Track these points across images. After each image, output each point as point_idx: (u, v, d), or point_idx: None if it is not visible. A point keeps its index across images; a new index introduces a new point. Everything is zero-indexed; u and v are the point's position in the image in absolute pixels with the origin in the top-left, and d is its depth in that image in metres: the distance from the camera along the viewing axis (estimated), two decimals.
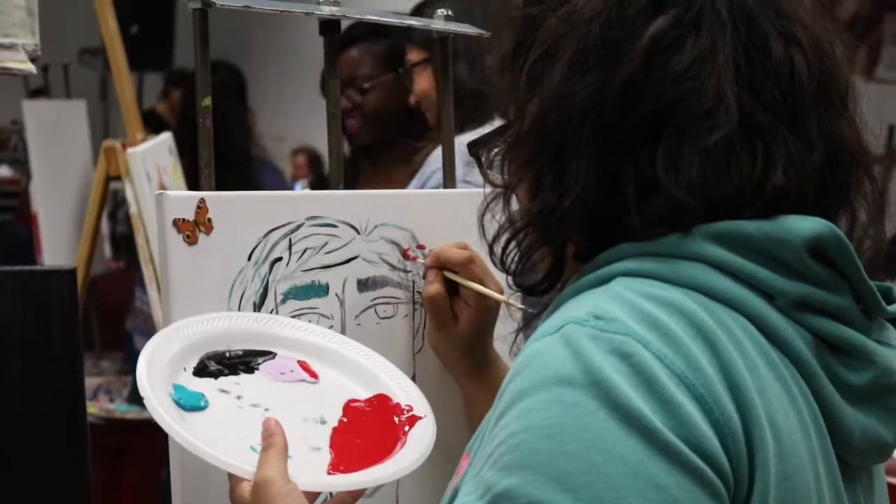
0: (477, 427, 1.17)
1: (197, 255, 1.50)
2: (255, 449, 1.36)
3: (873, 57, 5.80)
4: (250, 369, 1.49)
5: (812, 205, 1.15)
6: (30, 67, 1.52)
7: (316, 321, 1.60)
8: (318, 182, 7.26)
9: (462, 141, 2.78)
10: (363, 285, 1.65)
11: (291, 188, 6.28)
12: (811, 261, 1.12)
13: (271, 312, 1.57)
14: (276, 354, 1.52)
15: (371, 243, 1.65)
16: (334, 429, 1.46)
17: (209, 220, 1.51)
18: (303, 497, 1.30)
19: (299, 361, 1.53)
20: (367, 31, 3.54)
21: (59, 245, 4.26)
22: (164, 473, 3.99)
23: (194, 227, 1.50)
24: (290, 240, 1.58)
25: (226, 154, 3.26)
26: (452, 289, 1.65)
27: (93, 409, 3.77)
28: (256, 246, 1.56)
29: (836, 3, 1.22)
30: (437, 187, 2.67)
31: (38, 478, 1.51)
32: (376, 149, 3.41)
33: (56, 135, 4.66)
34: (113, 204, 5.03)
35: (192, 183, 3.34)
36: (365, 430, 1.48)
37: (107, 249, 5.03)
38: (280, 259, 1.57)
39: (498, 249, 1.23)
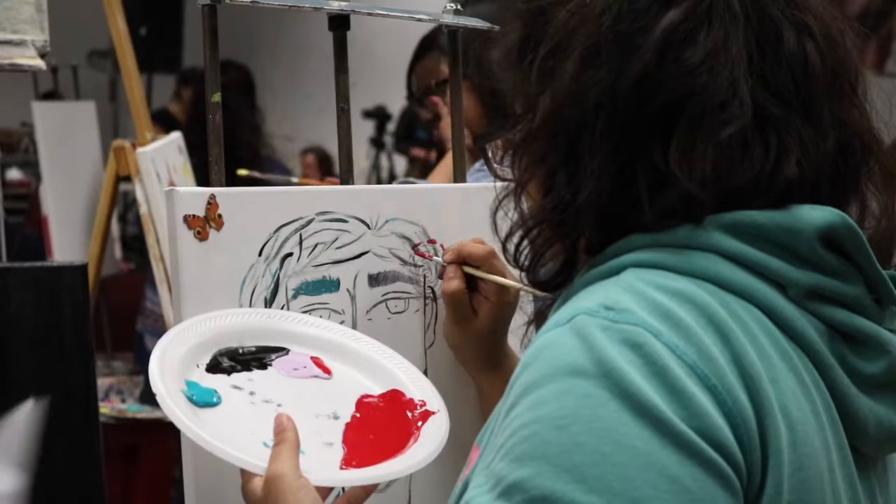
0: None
1: (208, 251, 1.50)
2: (268, 444, 1.36)
3: (884, 51, 5.79)
4: (263, 365, 1.49)
5: (825, 193, 1.15)
6: (39, 63, 1.52)
7: (327, 316, 1.60)
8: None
9: None
10: (374, 280, 1.65)
11: None
12: (823, 250, 1.12)
13: (282, 308, 1.57)
14: (288, 351, 1.52)
15: (382, 238, 1.65)
16: (347, 424, 1.46)
17: (220, 216, 1.51)
18: (315, 492, 1.30)
19: (312, 357, 1.53)
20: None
21: (69, 247, 4.26)
22: (176, 472, 4.00)
23: (205, 224, 1.50)
24: (300, 235, 1.58)
25: (235, 154, 3.26)
26: (471, 284, 1.65)
27: (105, 409, 3.77)
28: (267, 241, 1.55)
29: None
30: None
31: (51, 474, 1.50)
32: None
33: (66, 136, 4.66)
34: (123, 206, 5.04)
35: (203, 182, 3.34)
36: (378, 426, 1.47)
37: (117, 251, 5.04)
38: (291, 254, 1.57)
39: (511, 246, 1.23)
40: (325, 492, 1.36)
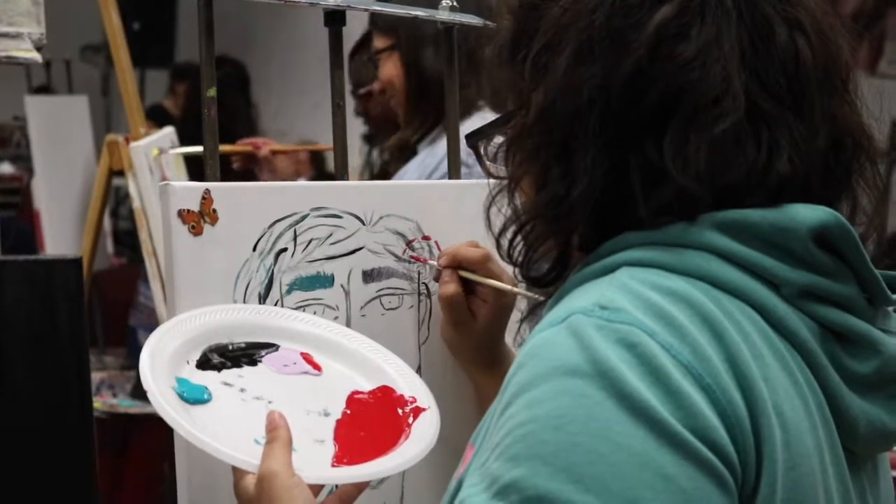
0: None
1: (202, 246, 1.50)
2: (260, 442, 1.35)
3: (876, 52, 5.79)
4: (253, 362, 1.49)
5: (817, 190, 1.15)
6: (35, 56, 1.52)
7: (321, 312, 1.60)
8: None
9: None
10: (368, 276, 1.65)
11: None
12: (816, 250, 1.12)
13: (276, 303, 1.57)
14: (279, 347, 1.52)
15: (376, 234, 1.65)
16: (338, 421, 1.46)
17: (214, 210, 1.51)
18: (307, 490, 1.30)
19: (302, 353, 1.53)
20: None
21: (62, 241, 4.26)
22: (167, 468, 3.99)
23: (199, 218, 1.50)
24: (295, 230, 1.58)
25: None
26: (467, 287, 1.65)
27: (96, 403, 3.77)
28: (261, 237, 1.55)
29: None
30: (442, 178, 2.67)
31: (45, 467, 1.50)
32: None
33: (58, 131, 4.66)
34: (115, 200, 5.04)
35: (196, 177, 3.34)
36: (369, 423, 1.47)
37: (109, 246, 5.03)
38: (285, 250, 1.57)
39: (505, 242, 1.23)
40: (316, 489, 1.36)
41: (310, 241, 1.59)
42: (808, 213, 1.12)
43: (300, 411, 1.44)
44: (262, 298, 1.56)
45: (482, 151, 1.40)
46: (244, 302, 1.54)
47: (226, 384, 1.44)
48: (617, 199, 1.13)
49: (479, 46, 2.67)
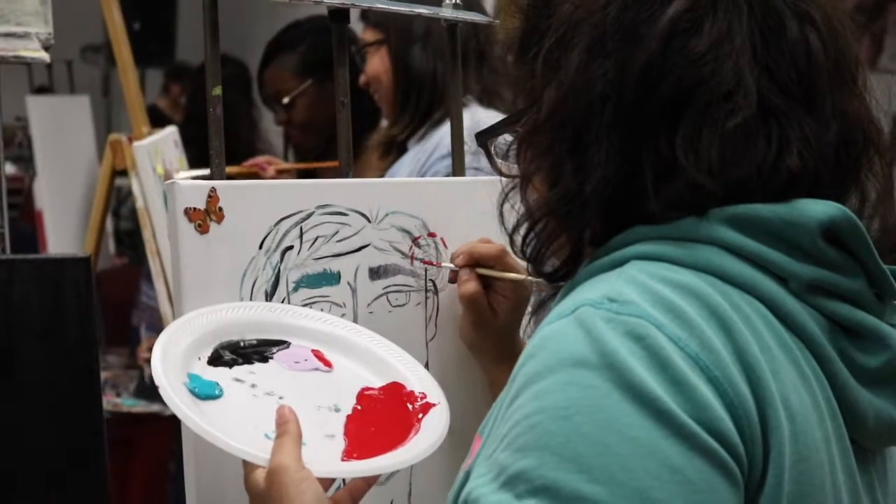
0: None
1: (208, 244, 1.51)
2: (270, 436, 1.36)
3: (877, 47, 5.79)
4: (264, 358, 1.49)
5: (826, 185, 1.15)
6: (43, 56, 1.53)
7: (328, 309, 1.60)
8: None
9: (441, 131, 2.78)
10: (375, 273, 1.65)
11: None
12: (825, 244, 1.13)
13: (283, 301, 1.57)
14: (289, 344, 1.52)
15: (382, 231, 1.65)
16: (348, 416, 1.46)
17: (220, 209, 1.51)
18: (317, 484, 1.30)
19: (313, 350, 1.53)
20: (280, 47, 3.56)
21: (64, 241, 4.25)
22: (172, 466, 3.99)
23: (205, 216, 1.50)
24: (300, 228, 1.58)
25: (232, 148, 3.27)
26: (485, 284, 1.65)
27: None
28: (267, 234, 1.56)
29: None
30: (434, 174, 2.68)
31: (55, 464, 1.51)
32: (326, 154, 3.40)
33: (60, 131, 4.66)
34: (116, 200, 5.03)
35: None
36: (379, 418, 1.48)
37: (111, 245, 5.03)
38: (291, 247, 1.57)
39: (518, 239, 1.23)
40: (326, 483, 1.37)
41: (316, 239, 1.59)
42: (816, 208, 1.12)
43: (311, 407, 1.45)
44: (269, 296, 1.56)
45: (491, 149, 1.41)
46: (251, 300, 1.54)
47: (237, 380, 1.45)
48: (629, 193, 1.14)
49: (468, 42, 2.69)
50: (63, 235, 4.30)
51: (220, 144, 1.56)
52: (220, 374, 1.45)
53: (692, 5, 1.14)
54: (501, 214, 1.27)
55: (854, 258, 1.15)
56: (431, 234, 1.70)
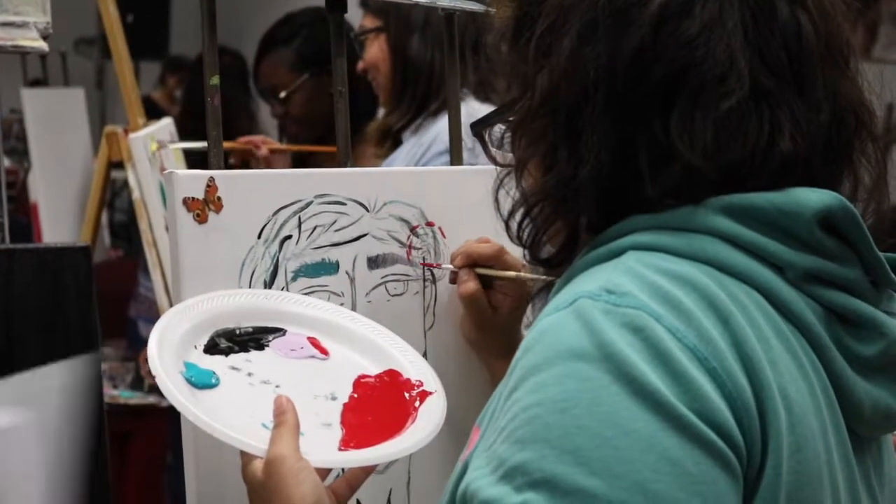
0: None
1: (207, 234, 1.51)
2: (267, 426, 1.36)
3: (871, 36, 5.79)
4: (261, 346, 1.49)
5: (819, 169, 1.16)
6: (42, 45, 1.52)
7: (326, 299, 1.60)
8: None
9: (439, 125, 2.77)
10: (373, 263, 1.65)
11: None
12: (821, 233, 1.13)
13: (282, 290, 1.57)
14: (286, 331, 1.52)
15: (380, 221, 1.65)
16: (345, 405, 1.46)
17: (219, 198, 1.51)
18: (315, 474, 1.31)
19: (309, 338, 1.53)
20: (274, 41, 3.56)
21: (59, 233, 4.25)
22: (169, 457, 3.99)
23: (204, 206, 1.50)
24: (299, 217, 1.58)
25: (229, 139, 3.27)
26: (484, 283, 1.66)
27: None
28: (266, 224, 1.56)
29: None
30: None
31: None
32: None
33: (55, 123, 4.65)
34: (111, 193, 5.02)
35: (194, 168, 3.33)
36: (375, 406, 1.48)
37: (106, 238, 5.02)
38: (290, 237, 1.57)
39: (514, 225, 1.23)
40: (323, 473, 1.37)
41: (314, 228, 1.60)
42: (813, 197, 1.12)
43: (307, 395, 1.45)
44: (268, 286, 1.56)
45: (487, 139, 1.41)
46: (249, 289, 1.54)
47: (233, 368, 1.45)
48: (625, 179, 1.14)
49: (464, 33, 2.69)
50: (58, 228, 4.29)
51: (217, 134, 1.56)
52: (217, 363, 1.45)
53: None
54: (497, 201, 1.27)
55: (850, 246, 1.15)
56: (430, 224, 1.70)
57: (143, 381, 3.81)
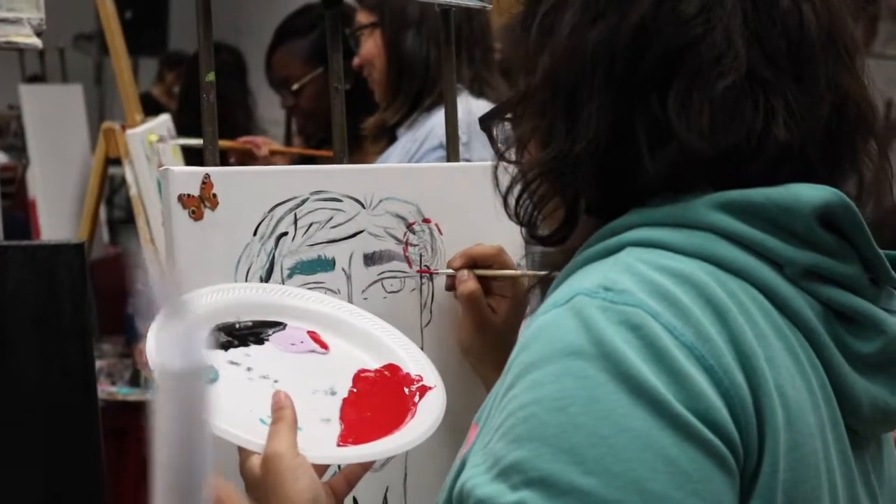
0: None
1: (203, 231, 1.50)
2: (265, 421, 1.35)
3: (871, 32, 5.79)
4: (260, 340, 1.49)
5: (817, 162, 1.15)
6: (35, 42, 1.52)
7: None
8: None
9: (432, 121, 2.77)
10: (370, 259, 1.65)
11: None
12: (820, 229, 1.12)
13: None
14: (286, 325, 1.52)
15: (377, 217, 1.65)
16: (344, 400, 1.46)
17: (214, 195, 1.51)
18: (312, 470, 1.30)
19: (309, 332, 1.53)
20: (292, 31, 3.54)
21: (57, 229, 4.25)
22: None
23: (200, 203, 1.50)
24: (295, 214, 1.58)
25: (228, 137, 3.27)
26: (483, 286, 1.65)
27: None
28: (262, 221, 1.55)
29: None
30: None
31: (50, 452, 1.50)
32: (329, 141, 3.39)
33: (53, 119, 4.65)
34: (110, 189, 5.02)
35: (192, 164, 3.32)
36: (375, 401, 1.47)
37: (104, 234, 5.02)
38: (286, 234, 1.57)
39: (511, 201, 1.23)
40: (321, 468, 1.36)
41: (310, 225, 1.59)
42: (811, 193, 1.12)
43: (306, 390, 1.44)
44: (264, 283, 1.56)
45: (495, 134, 1.40)
46: None
47: (232, 363, 1.44)
48: (623, 160, 1.14)
49: (460, 29, 2.68)
50: (57, 224, 4.29)
51: (213, 131, 1.55)
52: (216, 357, 1.44)
53: None
54: (496, 177, 1.26)
55: (849, 243, 1.15)
56: (426, 220, 1.69)
57: (141, 377, 3.81)
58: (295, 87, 3.45)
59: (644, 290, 1.07)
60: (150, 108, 5.37)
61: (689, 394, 1.03)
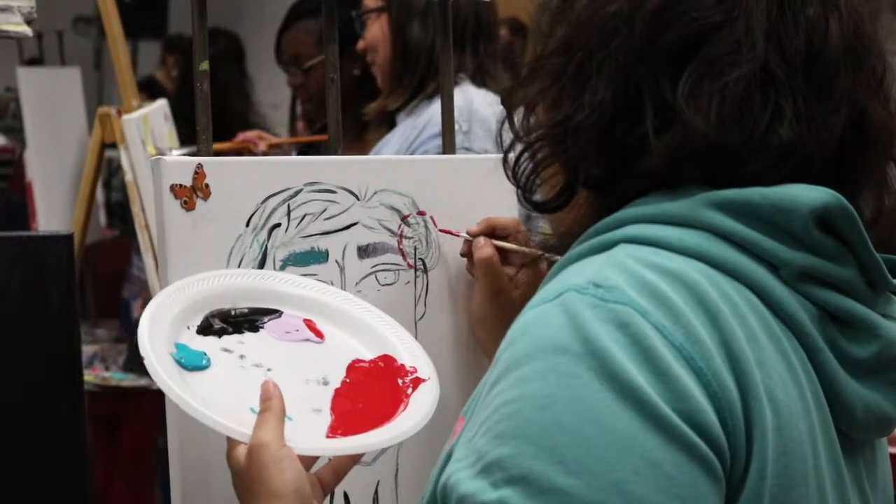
0: None
1: (195, 221, 1.49)
2: (255, 410, 1.34)
3: None
4: (255, 328, 1.48)
5: (821, 168, 1.14)
6: (26, 30, 1.51)
7: None
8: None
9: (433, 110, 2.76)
10: (363, 252, 1.64)
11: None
12: (817, 231, 1.11)
13: None
14: (282, 313, 1.51)
15: (371, 209, 1.64)
16: (336, 390, 1.45)
17: (207, 185, 1.50)
18: (297, 462, 1.29)
19: (305, 320, 1.52)
20: (307, 9, 3.52)
21: (54, 212, 4.24)
22: (160, 441, 3.98)
23: (192, 193, 1.49)
24: (288, 206, 1.57)
25: (226, 122, 3.25)
26: (502, 257, 1.65)
27: (88, 376, 3.75)
28: (255, 212, 1.54)
29: None
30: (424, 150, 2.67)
31: (35, 443, 1.50)
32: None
33: (51, 102, 4.64)
34: (108, 172, 5.02)
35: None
36: (367, 393, 1.46)
37: (102, 217, 5.02)
38: (279, 225, 1.56)
39: (511, 160, 1.22)
40: (310, 459, 1.36)
41: (304, 217, 1.58)
42: (809, 194, 1.11)
43: (299, 380, 1.44)
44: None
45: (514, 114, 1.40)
46: None
47: (225, 350, 1.44)
48: (627, 136, 1.13)
49: (466, 21, 2.67)
50: (54, 206, 4.29)
51: (206, 120, 1.54)
52: (209, 344, 1.43)
53: None
54: (500, 136, 1.25)
55: (847, 246, 1.13)
56: (421, 213, 1.68)
57: (135, 362, 3.80)
58: (307, 65, 3.42)
59: (635, 288, 1.06)
60: (154, 91, 5.37)
61: (676, 395, 1.02)
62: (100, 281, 4.71)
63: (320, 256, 1.60)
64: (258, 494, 1.28)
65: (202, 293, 1.46)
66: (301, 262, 1.58)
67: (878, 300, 1.17)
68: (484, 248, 1.64)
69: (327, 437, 1.39)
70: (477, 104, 2.71)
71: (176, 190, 1.47)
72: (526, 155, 1.21)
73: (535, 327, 1.06)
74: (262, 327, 1.49)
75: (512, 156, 1.23)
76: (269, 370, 1.43)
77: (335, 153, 1.68)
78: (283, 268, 1.57)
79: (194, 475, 1.48)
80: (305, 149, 3.42)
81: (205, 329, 1.45)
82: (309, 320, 1.52)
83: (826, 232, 1.12)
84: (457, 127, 2.59)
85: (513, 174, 1.23)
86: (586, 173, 1.17)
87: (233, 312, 1.48)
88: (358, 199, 1.63)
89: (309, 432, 1.37)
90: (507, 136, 1.25)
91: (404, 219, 1.67)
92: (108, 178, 5.19)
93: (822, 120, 1.13)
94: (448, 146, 1.80)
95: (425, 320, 1.70)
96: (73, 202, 3.67)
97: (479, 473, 1.02)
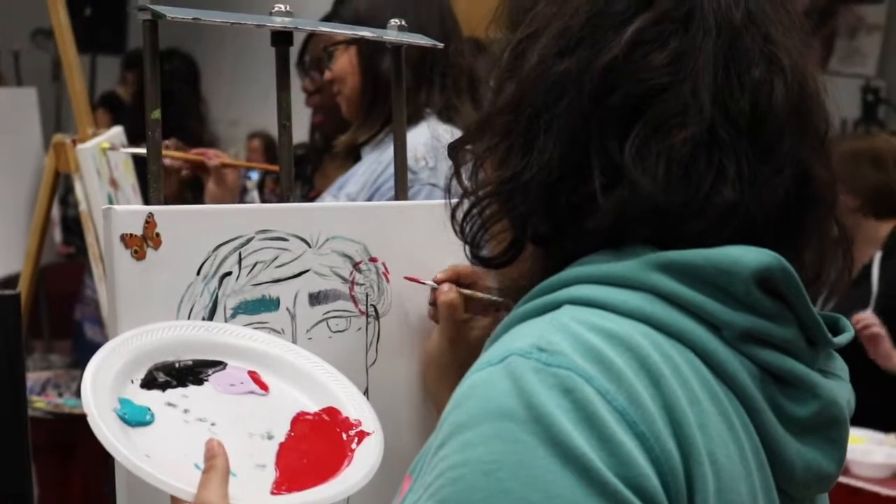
0: None
1: (145, 271, 1.48)
2: (200, 466, 1.34)
3: (827, 49, 5.83)
4: (199, 381, 1.47)
5: (764, 229, 1.15)
6: None
7: None
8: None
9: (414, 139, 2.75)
10: (315, 299, 1.63)
11: (246, 176, 6.23)
12: (758, 292, 1.12)
13: None
14: (226, 365, 1.50)
15: (322, 256, 1.64)
16: (281, 444, 1.45)
17: (157, 234, 1.49)
18: None
19: (250, 372, 1.51)
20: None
21: (9, 235, 4.21)
22: (112, 467, 3.96)
23: (142, 242, 1.48)
24: (239, 254, 1.56)
25: (181, 141, 3.24)
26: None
27: (40, 403, 3.73)
28: (206, 260, 1.54)
29: None
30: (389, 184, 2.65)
31: None
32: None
33: (6, 122, 4.60)
34: (65, 188, 4.99)
35: (145, 175, 3.28)
36: (312, 446, 1.46)
37: (57, 234, 4.99)
38: (230, 273, 1.56)
39: (459, 216, 1.23)
40: None
41: (255, 265, 1.58)
42: (751, 256, 1.12)
43: (243, 434, 1.43)
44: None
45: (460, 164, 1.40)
46: None
47: (169, 405, 1.43)
48: (574, 195, 1.14)
49: (435, 58, 2.66)
50: (8, 231, 4.25)
51: (157, 170, 1.53)
52: (153, 398, 1.42)
53: (661, 19, 1.15)
54: (448, 191, 1.26)
55: (787, 306, 1.15)
56: (373, 259, 1.68)
57: None
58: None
59: (579, 352, 1.06)
60: (115, 107, 5.34)
61: (618, 460, 1.03)
62: (52, 302, 4.68)
63: (271, 304, 1.60)
64: None
65: (146, 346, 1.45)
66: (252, 311, 1.58)
67: (819, 357, 1.19)
68: (448, 292, 1.64)
69: (272, 493, 1.39)
70: (444, 140, 2.69)
71: (126, 239, 1.47)
72: (474, 210, 1.22)
73: (481, 391, 1.06)
74: (206, 380, 1.48)
75: (460, 212, 1.23)
76: (213, 424, 1.42)
77: (287, 201, 1.67)
78: (233, 316, 1.56)
79: None
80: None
81: (149, 383, 1.44)
82: (253, 372, 1.51)
83: (767, 292, 1.13)
84: (423, 163, 2.59)
85: (461, 229, 1.23)
86: (534, 230, 1.18)
87: (177, 365, 1.47)
88: (310, 247, 1.62)
89: (254, 489, 1.37)
90: (456, 188, 1.25)
91: (356, 265, 1.67)
92: (64, 194, 5.16)
93: (766, 181, 1.15)
94: (401, 192, 1.80)
95: (376, 367, 1.70)
96: (29, 224, 3.64)
97: None
